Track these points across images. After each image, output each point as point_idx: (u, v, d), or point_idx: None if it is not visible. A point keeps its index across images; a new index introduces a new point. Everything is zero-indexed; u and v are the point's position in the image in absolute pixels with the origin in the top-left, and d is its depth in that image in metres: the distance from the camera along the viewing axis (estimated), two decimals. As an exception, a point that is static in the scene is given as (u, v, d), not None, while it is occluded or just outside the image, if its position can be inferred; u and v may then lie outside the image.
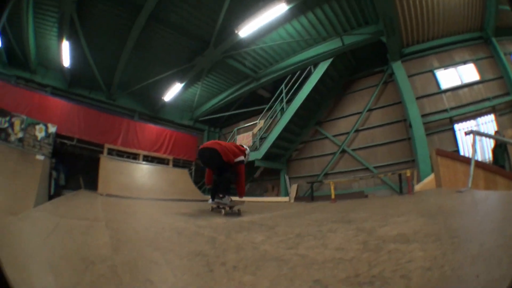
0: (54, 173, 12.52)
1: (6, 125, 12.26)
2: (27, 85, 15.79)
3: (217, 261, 2.04)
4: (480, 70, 13.58)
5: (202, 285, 1.61)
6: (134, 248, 2.53)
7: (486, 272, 1.44)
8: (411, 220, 3.45)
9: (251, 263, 1.93)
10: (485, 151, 12.30)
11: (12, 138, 12.28)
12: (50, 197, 10.44)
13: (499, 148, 10.85)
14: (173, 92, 18.08)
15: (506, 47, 13.26)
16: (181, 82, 17.19)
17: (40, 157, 11.44)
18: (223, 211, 6.44)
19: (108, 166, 12.95)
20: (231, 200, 7.02)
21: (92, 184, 12.18)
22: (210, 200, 7.31)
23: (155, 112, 20.79)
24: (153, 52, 15.58)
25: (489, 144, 11.85)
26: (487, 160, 11.75)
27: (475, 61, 13.73)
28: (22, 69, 15.73)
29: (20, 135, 12.53)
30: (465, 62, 13.94)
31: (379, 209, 5.58)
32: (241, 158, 7.53)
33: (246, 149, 7.98)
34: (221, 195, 7.08)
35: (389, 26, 11.92)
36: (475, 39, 14.08)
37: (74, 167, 14.78)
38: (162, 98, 18.72)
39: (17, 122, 12.60)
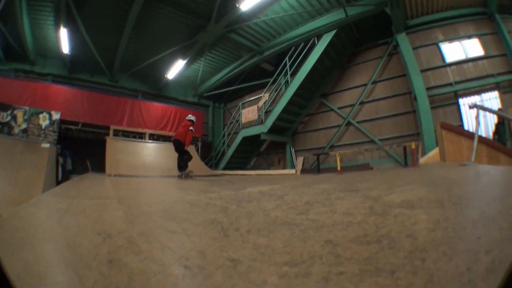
0: (60, 159, 12.78)
1: (9, 118, 12.66)
2: (27, 77, 15.91)
3: (231, 227, 2.12)
4: (484, 46, 13.48)
5: (218, 247, 1.68)
6: (149, 220, 2.59)
7: (487, 234, 1.48)
8: (415, 189, 3.47)
9: (263, 227, 2.01)
10: (489, 127, 12.26)
11: (16, 130, 12.69)
12: (58, 183, 10.59)
13: (501, 126, 10.93)
14: (176, 69, 18.10)
15: (510, 25, 13.14)
16: (184, 59, 17.20)
17: (45, 145, 11.65)
18: (183, 176, 10.89)
19: (114, 147, 13.04)
20: (189, 171, 11.23)
21: (99, 166, 12.33)
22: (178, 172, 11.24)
23: (159, 90, 20.83)
24: (153, 31, 15.55)
25: (493, 120, 11.88)
26: (491, 137, 11.82)
27: (479, 36, 13.64)
28: (20, 61, 15.83)
29: (23, 126, 12.94)
30: (469, 37, 13.84)
31: (385, 179, 5.60)
32: (191, 129, 11.46)
33: (190, 121, 11.64)
34: (182, 169, 11.14)
35: (394, -1, 11.82)
36: (479, 14, 13.92)
37: (81, 151, 15.05)
38: (165, 76, 18.73)
39: (19, 114, 12.88)
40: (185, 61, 17.52)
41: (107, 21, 14.40)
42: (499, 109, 11.39)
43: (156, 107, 19.26)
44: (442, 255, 1.29)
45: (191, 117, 11.85)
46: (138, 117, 18.06)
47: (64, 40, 14.14)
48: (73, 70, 17.36)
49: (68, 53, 15.36)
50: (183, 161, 11.19)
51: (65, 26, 13.29)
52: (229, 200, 3.63)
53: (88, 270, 1.44)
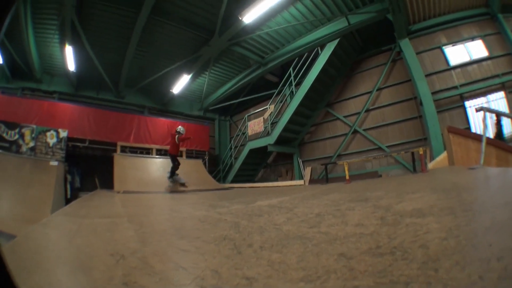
0: (68, 177, 12.86)
1: (16, 137, 12.75)
2: (34, 95, 16.02)
3: (243, 243, 2.14)
4: (488, 46, 13.46)
5: (233, 265, 1.69)
6: (160, 238, 2.62)
7: (499, 241, 1.49)
8: (425, 196, 3.51)
9: (276, 243, 2.02)
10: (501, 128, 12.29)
11: (24, 148, 12.76)
12: (67, 201, 10.69)
13: (499, 125, 11.09)
14: (181, 84, 18.14)
15: None
16: (189, 73, 17.23)
17: (53, 163, 11.82)
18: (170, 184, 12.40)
19: (122, 163, 13.09)
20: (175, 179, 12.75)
21: (108, 183, 12.35)
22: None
23: (165, 105, 20.87)
24: (158, 46, 15.61)
25: (506, 121, 11.92)
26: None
27: (483, 37, 13.61)
28: (26, 80, 15.93)
29: (31, 144, 13.01)
30: (473, 38, 13.83)
31: (394, 187, 5.64)
32: (177, 138, 13.08)
33: (177, 132, 13.32)
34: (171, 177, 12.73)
35: (395, 3, 11.84)
36: (482, 15, 13.91)
37: (88, 168, 15.06)
38: (171, 90, 18.76)
39: (27, 133, 12.97)
40: (190, 76, 17.55)
41: (111, 38, 14.52)
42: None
43: (162, 122, 19.29)
44: (454, 264, 1.30)
45: (178, 128, 13.60)
46: (145, 132, 18.11)
47: (69, 57, 14.24)
48: (79, 88, 17.48)
49: (74, 71, 15.46)
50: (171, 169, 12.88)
51: (70, 43, 13.37)
52: (240, 215, 3.66)
53: None
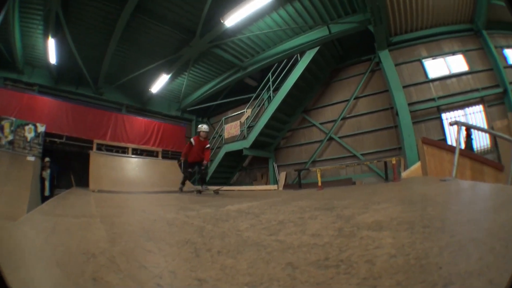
0: (46, 173, 12.58)
1: None
2: (15, 86, 15.67)
3: (203, 247, 2.21)
4: (469, 61, 13.85)
5: (189, 268, 1.79)
6: (129, 239, 2.67)
7: (451, 264, 1.43)
8: (390, 208, 3.53)
9: (233, 249, 2.10)
10: (478, 139, 12.67)
11: (3, 141, 12.36)
12: (46, 198, 10.60)
13: (469, 139, 11.40)
14: (160, 83, 18.10)
15: (497, 40, 13.51)
16: (168, 73, 17.21)
17: (31, 158, 11.66)
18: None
19: (98, 162, 12.96)
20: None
21: (83, 181, 12.17)
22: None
23: (143, 104, 20.70)
24: (139, 44, 15.57)
25: (480, 134, 12.39)
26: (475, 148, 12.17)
27: (464, 52, 13.99)
28: (8, 70, 15.58)
29: (10, 137, 12.62)
30: (454, 53, 14.20)
31: (363, 196, 5.72)
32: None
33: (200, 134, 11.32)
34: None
35: (376, 15, 12.01)
36: (465, 31, 14.29)
37: (65, 165, 14.72)
38: (149, 90, 18.64)
39: (6, 125, 12.59)
40: (169, 76, 17.51)
41: (94, 33, 14.37)
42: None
43: (140, 122, 19.11)
44: (395, 285, 1.34)
45: (204, 127, 11.36)
46: (122, 131, 17.88)
47: (51, 50, 14.04)
48: (59, 81, 17.16)
49: (55, 64, 15.24)
50: (206, 176, 12.25)
51: (53, 36, 13.23)
52: (207, 219, 3.71)
53: (78, 287, 1.55)
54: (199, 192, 10.97)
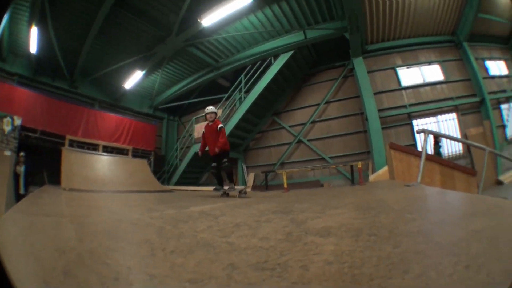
0: (21, 168, 12.21)
1: None
2: (-4, 74, 15.10)
3: (159, 247, 2.38)
4: (445, 71, 14.51)
5: (144, 265, 1.98)
6: (94, 239, 2.81)
7: (385, 277, 1.50)
8: (345, 213, 3.68)
9: (186, 249, 2.27)
10: (450, 145, 13.51)
11: None
12: (21, 196, 10.33)
13: (437, 145, 11.93)
14: (133, 79, 17.92)
15: (479, 52, 14.15)
16: (142, 69, 17.07)
17: (7, 153, 11.35)
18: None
19: (70, 159, 12.68)
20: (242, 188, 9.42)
21: (56, 178, 11.89)
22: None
23: (116, 100, 20.43)
24: (116, 38, 15.46)
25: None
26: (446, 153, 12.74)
27: (441, 63, 14.64)
28: None
29: None
30: (430, 63, 14.79)
31: (324, 199, 5.88)
32: (219, 128, 8.96)
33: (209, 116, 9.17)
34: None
35: (354, 23, 12.27)
36: (445, 42, 14.89)
37: (39, 161, 14.09)
38: (123, 85, 18.45)
39: None
40: (143, 72, 17.39)
41: (75, 23, 14.13)
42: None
43: (111, 118, 18.88)
44: None
45: (209, 109, 9.22)
46: (93, 127, 17.59)
47: (33, 39, 13.72)
48: (37, 72, 16.66)
49: (35, 54, 14.84)
50: (229, 172, 9.44)
51: (37, 24, 12.99)
52: (168, 220, 3.83)
53: (51, 279, 1.74)
54: (226, 194, 9.23)
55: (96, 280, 1.67)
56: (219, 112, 17.49)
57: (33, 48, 14.37)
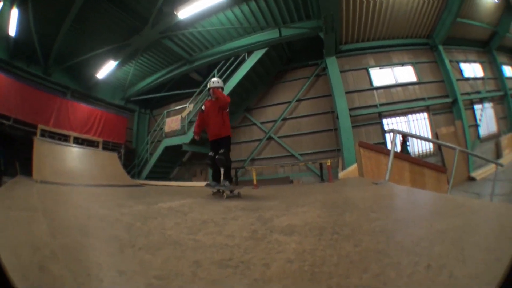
0: None
1: None
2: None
3: (128, 244, 2.44)
4: (418, 73, 14.92)
5: (113, 261, 2.05)
6: (67, 234, 2.86)
7: (343, 276, 1.56)
8: (310, 211, 3.77)
9: (154, 246, 2.34)
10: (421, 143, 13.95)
11: None
12: None
13: (405, 144, 12.26)
14: (107, 69, 17.67)
15: (454, 55, 14.68)
16: (116, 59, 16.86)
17: None
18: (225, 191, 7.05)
19: (41, 149, 12.46)
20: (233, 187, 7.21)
21: (28, 168, 11.73)
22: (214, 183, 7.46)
23: (88, 90, 19.83)
24: (92, 25, 15.09)
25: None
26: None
27: (414, 64, 15.02)
28: None
29: None
30: (403, 64, 15.12)
31: (292, 197, 6.07)
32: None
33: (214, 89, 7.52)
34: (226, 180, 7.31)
35: (329, 24, 12.36)
36: (420, 45, 15.28)
37: (13, 150, 13.78)
38: (96, 75, 18.16)
39: None
40: (116, 62, 17.21)
41: (53, 6, 13.59)
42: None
43: (83, 109, 18.37)
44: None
45: (215, 82, 7.75)
46: (65, 117, 17.02)
47: (13, 20, 13.34)
48: (14, 57, 15.92)
49: (14, 36, 14.39)
50: (224, 166, 7.39)
51: (18, 5, 12.69)
52: (137, 217, 3.88)
53: (29, 272, 1.83)
54: (221, 192, 7.35)
55: (69, 276, 1.74)
56: (191, 107, 17.47)
57: (12, 30, 13.97)
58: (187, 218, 3.71)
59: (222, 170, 7.48)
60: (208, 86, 7.80)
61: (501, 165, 9.67)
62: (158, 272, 1.76)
